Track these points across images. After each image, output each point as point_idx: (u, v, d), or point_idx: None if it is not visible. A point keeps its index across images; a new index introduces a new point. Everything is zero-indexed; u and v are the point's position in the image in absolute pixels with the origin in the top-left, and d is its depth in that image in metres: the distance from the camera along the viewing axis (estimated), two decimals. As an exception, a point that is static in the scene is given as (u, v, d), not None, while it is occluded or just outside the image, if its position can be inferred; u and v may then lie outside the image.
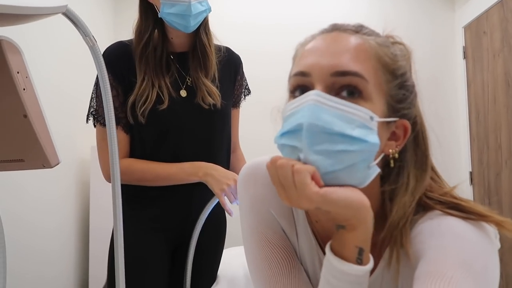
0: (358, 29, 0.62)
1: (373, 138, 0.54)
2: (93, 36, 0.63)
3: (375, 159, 0.57)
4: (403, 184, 0.62)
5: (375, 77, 0.58)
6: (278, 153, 0.61)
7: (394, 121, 0.60)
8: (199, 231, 1.20)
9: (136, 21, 1.19)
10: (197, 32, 1.20)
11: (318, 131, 0.52)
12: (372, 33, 0.63)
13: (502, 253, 0.55)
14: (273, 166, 0.54)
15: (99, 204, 2.40)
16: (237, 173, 1.32)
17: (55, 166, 0.63)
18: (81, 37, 0.62)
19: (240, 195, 0.76)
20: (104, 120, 1.16)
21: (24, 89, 0.57)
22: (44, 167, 0.62)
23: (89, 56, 0.64)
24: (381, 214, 0.63)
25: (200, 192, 1.19)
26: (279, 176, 0.53)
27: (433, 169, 0.67)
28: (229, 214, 1.19)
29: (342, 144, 0.52)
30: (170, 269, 1.25)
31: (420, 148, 0.65)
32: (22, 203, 1.86)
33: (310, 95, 0.55)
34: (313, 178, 0.52)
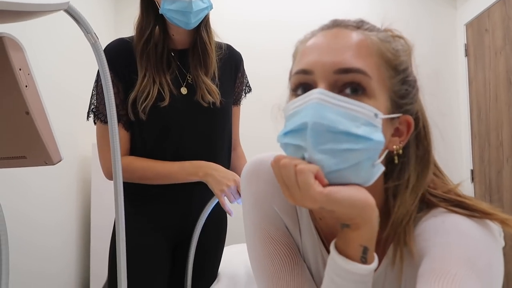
0: (359, 25, 0.62)
1: (378, 136, 0.54)
2: (95, 33, 0.63)
3: (380, 156, 0.57)
4: (405, 181, 0.62)
5: (378, 73, 0.58)
6: (279, 150, 0.61)
7: (398, 117, 0.60)
8: (200, 230, 1.20)
9: (137, 17, 1.19)
10: (198, 29, 1.20)
11: (323, 130, 0.52)
12: (373, 28, 0.62)
13: (504, 251, 0.55)
14: (276, 165, 0.54)
15: (100, 202, 2.40)
16: (237, 171, 1.33)
17: (57, 163, 0.63)
18: (82, 34, 0.62)
19: (243, 192, 0.76)
20: (105, 118, 1.16)
21: (26, 86, 0.57)
22: (46, 164, 0.62)
23: (91, 53, 0.64)
24: (384, 211, 0.63)
25: (200, 191, 1.19)
26: (283, 176, 0.53)
27: (435, 165, 0.67)
28: (229, 214, 1.19)
29: (347, 142, 0.52)
30: (171, 267, 1.26)
31: (423, 144, 0.64)
32: (24, 200, 1.86)
33: (314, 94, 0.55)
34: (316, 177, 0.51)
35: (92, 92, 1.20)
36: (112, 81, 1.13)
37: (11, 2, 0.47)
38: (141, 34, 1.17)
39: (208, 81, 1.21)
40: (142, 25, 1.17)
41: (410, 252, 0.59)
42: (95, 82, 1.20)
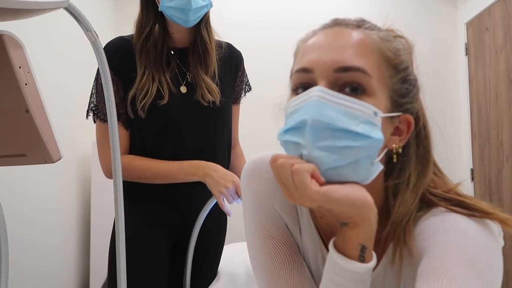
0: (360, 24, 0.62)
1: (377, 134, 0.54)
2: (95, 31, 0.62)
3: (379, 155, 0.57)
4: (405, 180, 0.62)
5: (378, 72, 0.58)
6: (279, 148, 0.61)
7: (398, 116, 0.60)
8: (199, 229, 1.20)
9: (137, 15, 1.19)
10: (198, 27, 1.19)
11: (322, 127, 0.52)
12: (374, 27, 0.62)
13: (504, 250, 0.55)
14: (274, 165, 0.54)
15: (100, 200, 2.40)
16: (236, 171, 1.34)
17: (57, 161, 0.62)
18: (82, 32, 0.62)
19: (244, 190, 0.76)
20: (104, 116, 1.16)
21: (26, 84, 0.57)
22: (46, 162, 0.62)
23: (91, 51, 0.63)
24: (384, 210, 0.63)
25: (200, 190, 1.19)
26: (280, 176, 0.53)
27: (435, 164, 0.67)
28: (228, 215, 1.20)
29: (346, 140, 0.52)
30: (171, 266, 1.26)
31: (423, 143, 0.64)
32: (23, 198, 1.87)
33: (314, 91, 0.55)
34: (313, 176, 0.51)
35: (92, 90, 1.20)
36: (112, 80, 1.12)
37: (11, 0, 0.47)
38: (141, 32, 1.17)
39: (208, 80, 1.20)
40: (141, 23, 1.17)
41: (409, 251, 0.59)
42: (94, 81, 1.20)
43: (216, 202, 1.17)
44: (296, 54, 0.66)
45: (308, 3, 3.07)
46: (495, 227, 0.59)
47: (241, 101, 1.39)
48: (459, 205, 0.60)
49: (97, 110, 1.17)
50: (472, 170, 2.94)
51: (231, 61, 1.31)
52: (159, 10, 1.12)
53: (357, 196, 0.52)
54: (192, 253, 1.22)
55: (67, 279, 2.30)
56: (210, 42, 1.22)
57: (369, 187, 0.55)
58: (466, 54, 3.02)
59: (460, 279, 0.50)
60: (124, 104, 1.16)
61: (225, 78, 1.28)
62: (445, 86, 3.05)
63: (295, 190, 0.52)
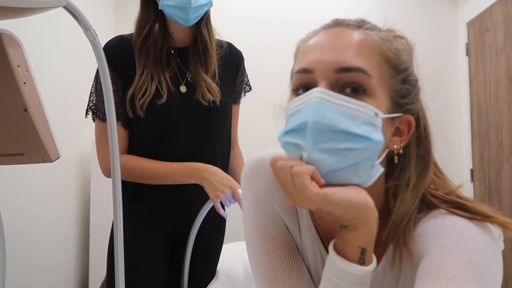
0: (361, 24, 0.62)
1: (378, 135, 0.54)
2: (94, 30, 0.62)
3: (379, 156, 0.56)
4: (406, 180, 0.62)
5: (379, 72, 0.58)
6: (280, 148, 0.61)
7: (398, 117, 0.60)
8: (196, 232, 1.20)
9: (137, 13, 1.19)
10: (198, 27, 1.19)
11: (323, 129, 0.52)
12: (374, 28, 0.62)
13: (503, 253, 0.55)
14: (273, 167, 0.54)
15: (99, 198, 2.40)
16: (234, 171, 1.34)
17: (55, 160, 0.62)
18: (82, 31, 0.62)
19: (244, 189, 0.76)
20: (103, 115, 1.16)
21: (24, 83, 0.57)
22: (44, 161, 0.62)
23: (91, 49, 0.63)
24: (385, 211, 0.63)
25: (199, 190, 1.19)
26: (280, 177, 0.53)
27: (435, 165, 0.67)
28: (225, 217, 1.21)
29: (347, 142, 0.52)
30: (170, 264, 1.26)
31: (423, 144, 0.64)
32: (23, 194, 1.87)
33: (314, 93, 0.54)
34: (313, 178, 0.51)
35: (91, 89, 1.19)
36: (111, 79, 1.11)
37: (9, -2, 0.47)
38: (141, 30, 1.16)
39: (208, 79, 1.20)
40: (141, 21, 1.17)
41: (409, 252, 0.59)
42: (94, 79, 1.19)
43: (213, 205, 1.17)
44: (296, 55, 0.66)
45: (308, 2, 3.06)
46: (495, 230, 0.59)
47: (240, 101, 1.38)
48: (460, 207, 0.60)
49: (96, 109, 1.17)
50: (471, 171, 2.94)
51: (232, 61, 1.31)
52: (159, 8, 1.12)
53: (357, 199, 0.52)
54: (190, 254, 1.22)
55: (66, 276, 2.30)
56: (211, 41, 1.21)
57: (370, 189, 0.55)
58: (467, 54, 3.01)
59: (459, 282, 0.50)
60: (124, 103, 1.16)
61: (225, 77, 1.27)
62: (445, 86, 3.05)
63: (295, 192, 0.51)
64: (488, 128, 2.75)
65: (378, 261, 0.63)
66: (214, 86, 1.20)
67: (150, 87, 1.14)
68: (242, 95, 1.37)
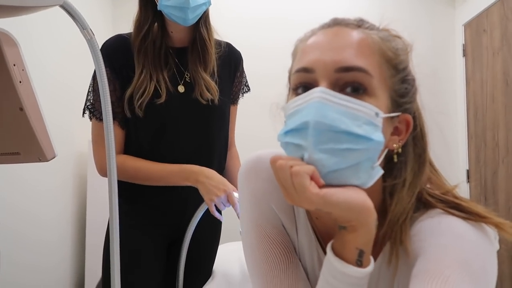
0: (360, 24, 0.62)
1: (378, 136, 0.54)
2: (91, 30, 0.62)
3: (380, 157, 0.56)
4: (402, 179, 0.62)
5: (379, 72, 0.58)
6: (277, 147, 0.61)
7: (397, 116, 0.60)
8: (193, 231, 1.20)
9: (135, 13, 1.18)
10: (197, 26, 1.19)
11: (324, 129, 0.52)
12: (373, 27, 0.62)
13: (498, 252, 0.55)
14: (273, 166, 0.54)
15: (96, 198, 2.39)
16: (230, 171, 1.34)
17: (51, 159, 0.62)
18: (79, 30, 0.62)
19: (241, 188, 0.75)
20: (100, 115, 1.15)
21: (20, 82, 0.56)
22: (40, 160, 0.62)
23: (87, 49, 0.63)
24: (382, 210, 0.63)
25: (195, 191, 1.19)
26: (279, 177, 0.53)
27: (431, 163, 0.67)
28: (220, 220, 1.21)
29: (348, 142, 0.52)
30: (166, 264, 1.25)
31: (420, 143, 0.64)
32: (20, 193, 1.86)
33: (315, 92, 0.54)
34: (312, 178, 0.51)
35: (89, 88, 1.19)
36: (109, 78, 1.12)
37: (5, -3, 0.46)
38: (139, 30, 1.16)
39: (207, 77, 1.20)
40: (140, 21, 1.17)
41: (405, 251, 0.59)
42: (92, 78, 1.19)
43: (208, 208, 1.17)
44: (294, 54, 0.66)
45: (306, 2, 3.06)
46: (491, 231, 0.59)
47: (238, 102, 1.38)
48: (456, 207, 0.60)
49: (93, 109, 1.17)
50: (468, 171, 2.95)
51: (230, 60, 1.31)
52: (158, 9, 1.12)
53: (356, 200, 0.52)
54: (185, 254, 1.22)
55: (62, 275, 2.29)
56: (210, 39, 1.21)
57: (368, 188, 0.55)
58: (464, 55, 3.03)
59: (454, 282, 0.50)
60: (121, 103, 1.16)
61: (223, 77, 1.27)
62: (442, 86, 3.06)
63: (294, 192, 0.51)
64: (484, 128, 2.76)
65: (375, 260, 0.63)
66: (212, 84, 1.20)
67: (149, 87, 1.13)
68: (240, 95, 1.37)
